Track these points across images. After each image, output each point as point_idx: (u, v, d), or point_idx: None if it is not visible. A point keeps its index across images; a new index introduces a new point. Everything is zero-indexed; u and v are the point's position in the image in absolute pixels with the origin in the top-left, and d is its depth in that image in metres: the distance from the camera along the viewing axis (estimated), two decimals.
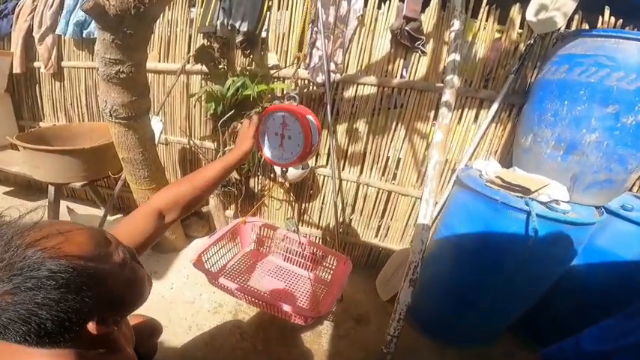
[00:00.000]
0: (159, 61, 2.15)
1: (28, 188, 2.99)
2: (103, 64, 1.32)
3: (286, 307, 1.47)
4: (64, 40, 2.37)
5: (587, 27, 1.54)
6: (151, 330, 1.23)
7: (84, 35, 2.22)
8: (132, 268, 0.65)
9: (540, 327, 1.78)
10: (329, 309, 1.48)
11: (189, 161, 2.44)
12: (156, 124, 1.96)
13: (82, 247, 0.55)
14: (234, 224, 1.93)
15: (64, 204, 2.37)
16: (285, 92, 2.00)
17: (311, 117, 1.09)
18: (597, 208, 1.48)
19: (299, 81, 1.97)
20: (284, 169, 1.25)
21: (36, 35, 2.33)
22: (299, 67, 1.88)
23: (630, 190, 1.69)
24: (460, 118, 1.81)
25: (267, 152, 1.15)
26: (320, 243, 2.37)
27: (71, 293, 0.50)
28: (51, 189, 2.18)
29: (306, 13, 1.68)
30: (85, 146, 1.96)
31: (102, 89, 1.45)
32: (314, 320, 1.55)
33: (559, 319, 1.70)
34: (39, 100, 2.67)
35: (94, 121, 2.54)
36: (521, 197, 1.38)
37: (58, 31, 2.28)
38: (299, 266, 2.01)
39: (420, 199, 2.00)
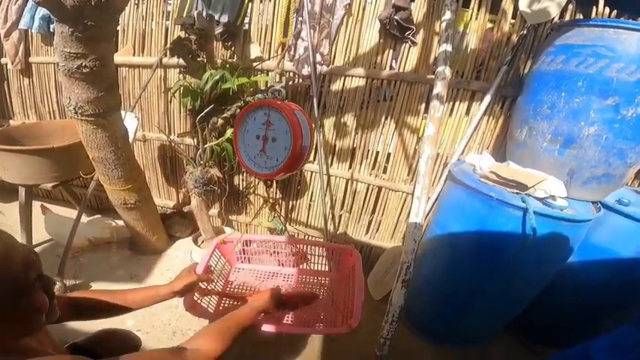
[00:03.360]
0: (133, 55, 2.02)
1: (0, 188, 2.83)
2: (63, 58, 1.20)
3: (323, 330, 1.43)
4: (32, 36, 2.26)
5: (581, 17, 1.47)
6: (128, 347, 1.14)
7: (51, 30, 2.10)
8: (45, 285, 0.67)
9: (537, 325, 1.75)
10: (359, 317, 1.36)
11: (169, 158, 2.33)
12: (130, 120, 1.84)
13: None
14: (212, 248, 1.73)
15: (38, 203, 2.24)
16: (268, 85, 1.89)
17: (300, 113, 0.98)
18: (594, 203, 1.43)
19: (284, 73, 1.87)
20: (268, 180, 1.13)
21: (2, 31, 2.21)
22: (283, 57, 1.77)
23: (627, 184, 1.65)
24: (452, 111, 1.74)
25: (246, 161, 1.03)
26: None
27: None
28: (21, 190, 2.05)
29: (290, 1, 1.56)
30: (54, 145, 1.83)
31: (64, 85, 1.32)
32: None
33: (556, 317, 1.67)
34: (7, 97, 2.54)
35: (65, 119, 2.40)
36: (518, 193, 1.32)
37: (22, 25, 2.17)
38: (296, 267, 1.87)
39: (412, 194, 1.94)
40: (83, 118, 1.41)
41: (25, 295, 0.61)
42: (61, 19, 1.08)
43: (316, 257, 1.85)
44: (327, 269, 1.85)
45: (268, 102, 0.94)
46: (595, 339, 1.02)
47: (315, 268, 1.87)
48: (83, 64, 1.22)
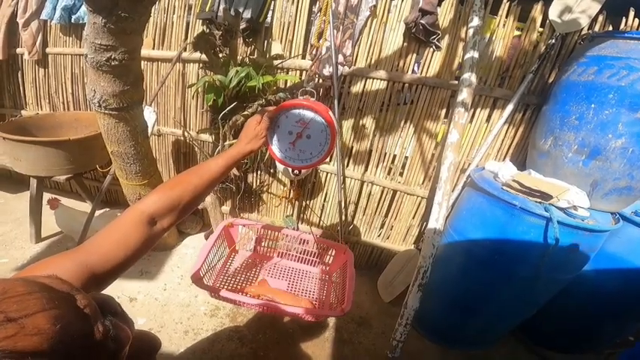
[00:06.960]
0: (153, 48, 1.99)
1: (8, 179, 2.80)
2: (92, 50, 1.18)
3: (320, 312, 1.44)
4: (50, 26, 2.23)
5: (611, 28, 1.47)
6: (148, 348, 1.12)
7: (72, 20, 2.09)
8: (115, 339, 0.48)
9: (543, 330, 1.77)
10: (350, 303, 1.42)
11: (183, 154, 2.31)
12: (149, 115, 1.82)
13: (45, 339, 0.35)
14: (220, 229, 1.77)
15: (47, 196, 2.21)
16: (288, 84, 1.89)
17: (331, 114, 1.01)
18: (612, 214, 1.45)
19: (303, 73, 1.86)
20: (296, 171, 1.16)
21: (20, 20, 2.18)
22: (317, 60, 1.74)
23: None
24: (472, 118, 1.74)
25: (277, 153, 1.05)
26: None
27: None
28: (33, 182, 2.03)
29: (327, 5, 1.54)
30: (70, 137, 1.81)
31: (90, 77, 1.31)
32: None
33: (563, 322, 1.70)
34: (21, 87, 2.51)
35: (79, 110, 2.38)
36: (541, 203, 1.33)
37: (43, 16, 2.14)
38: (301, 263, 1.93)
39: (426, 198, 1.95)
40: (107, 111, 1.39)
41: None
42: (96, 9, 1.07)
43: (311, 251, 1.92)
44: (320, 263, 1.93)
45: (304, 103, 0.96)
46: None
47: (310, 261, 1.95)
48: (112, 57, 1.20)
